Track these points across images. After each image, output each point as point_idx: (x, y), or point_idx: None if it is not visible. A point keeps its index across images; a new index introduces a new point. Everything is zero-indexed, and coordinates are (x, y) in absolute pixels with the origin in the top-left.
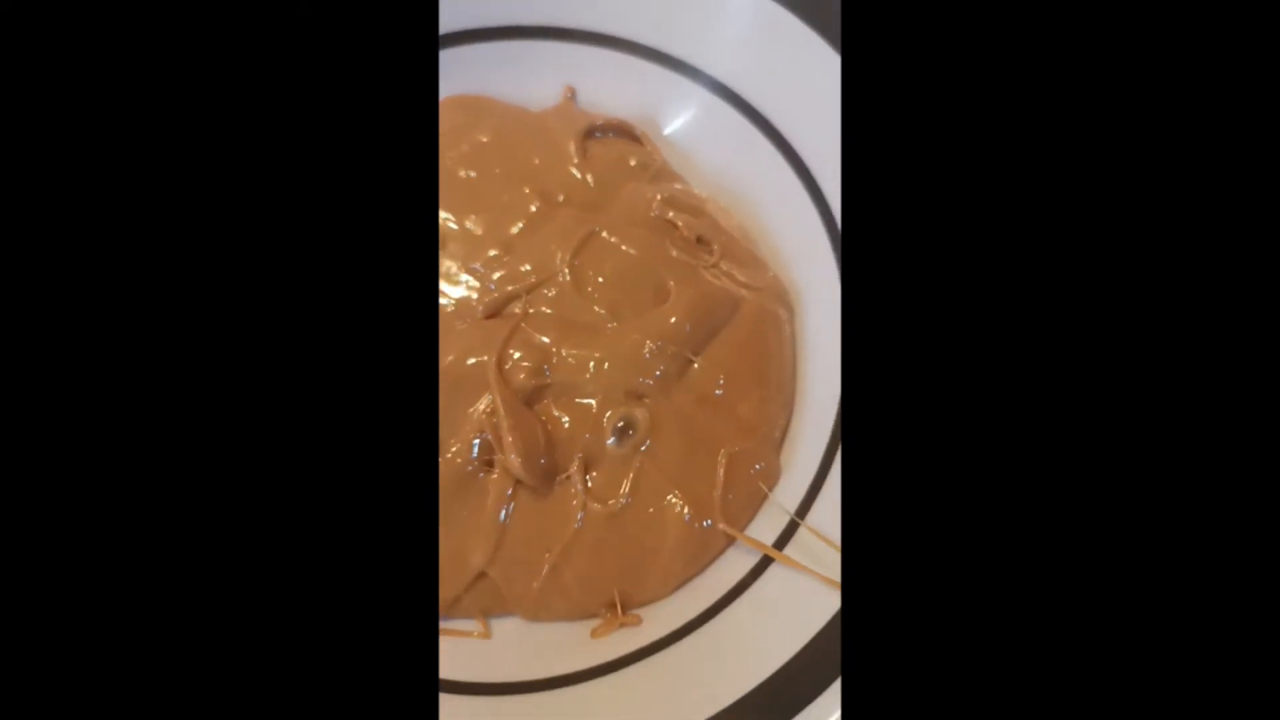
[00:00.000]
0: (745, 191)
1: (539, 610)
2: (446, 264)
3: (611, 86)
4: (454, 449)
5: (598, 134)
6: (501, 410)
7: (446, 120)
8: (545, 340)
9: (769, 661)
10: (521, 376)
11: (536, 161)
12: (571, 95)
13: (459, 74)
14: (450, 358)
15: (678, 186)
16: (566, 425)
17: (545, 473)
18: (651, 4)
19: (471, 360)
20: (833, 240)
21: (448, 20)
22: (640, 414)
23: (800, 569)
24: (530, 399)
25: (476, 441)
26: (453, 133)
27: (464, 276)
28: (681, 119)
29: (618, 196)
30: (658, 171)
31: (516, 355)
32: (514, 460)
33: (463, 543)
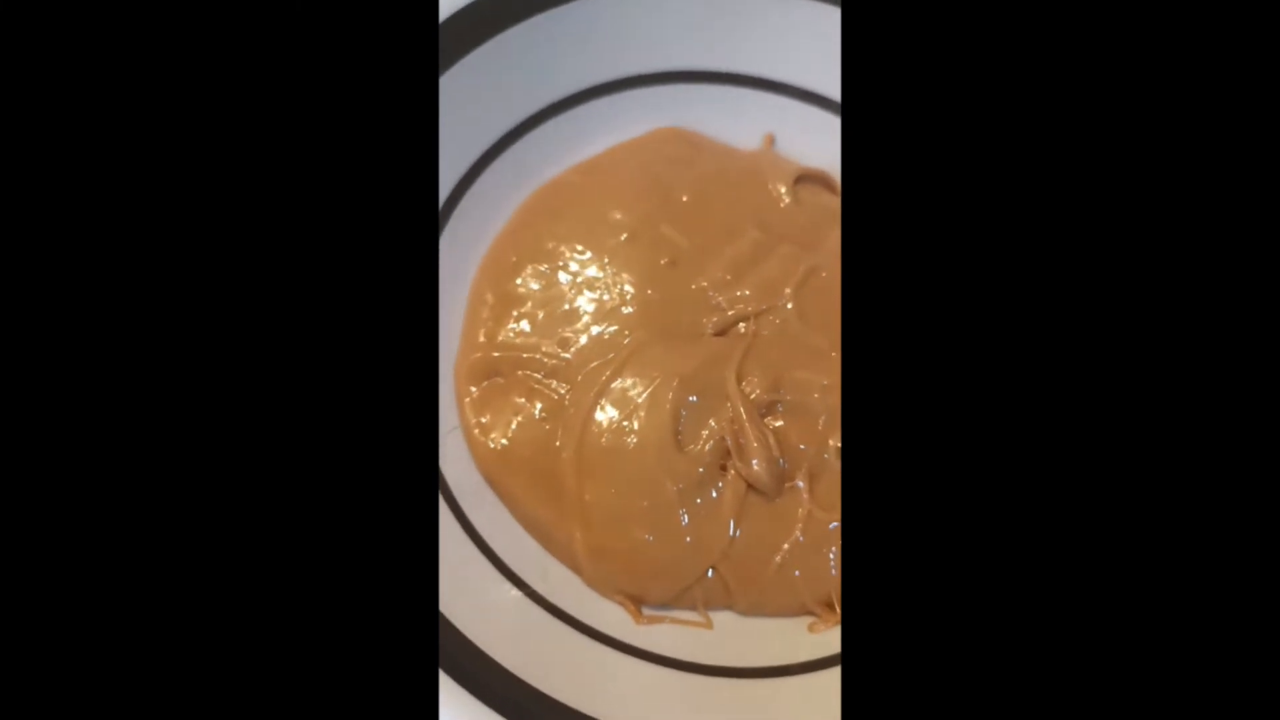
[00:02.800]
0: None
1: (761, 605)
2: (677, 281)
3: (805, 138)
4: (695, 451)
5: (803, 180)
6: (745, 420)
7: (661, 149)
8: (775, 361)
9: None
10: (757, 392)
11: (753, 197)
12: (771, 142)
13: (668, 109)
14: (692, 367)
15: None
16: (794, 440)
17: (777, 480)
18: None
19: (712, 371)
20: None
21: (659, 61)
22: None
23: None
24: (763, 412)
25: (710, 446)
26: (670, 160)
27: (694, 295)
28: None
29: (826, 239)
30: None
31: (753, 374)
32: (755, 466)
33: (698, 540)
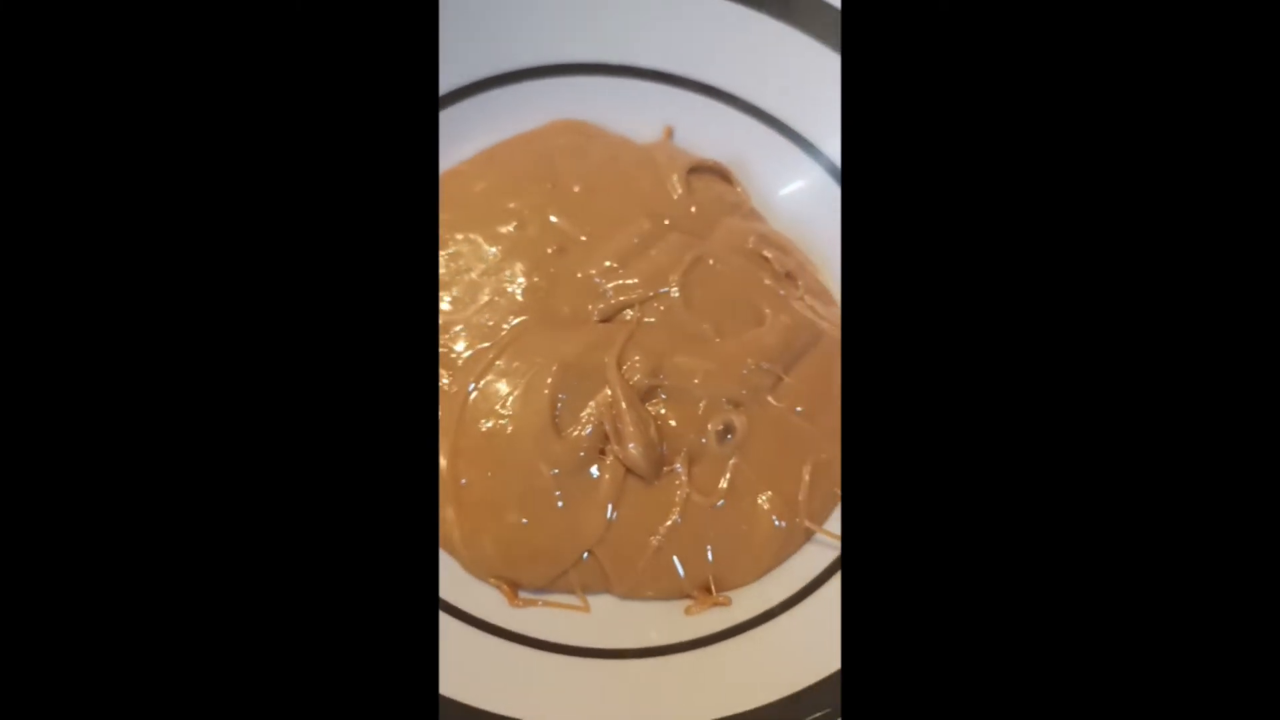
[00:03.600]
0: (818, 245)
1: (639, 588)
2: (565, 269)
3: (704, 130)
4: (573, 435)
5: (697, 171)
6: (623, 404)
7: (556, 139)
8: (658, 346)
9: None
10: (637, 376)
11: (645, 186)
12: (670, 134)
13: (566, 101)
14: (573, 352)
15: (767, 226)
16: (674, 424)
17: (655, 464)
18: (747, 58)
19: (593, 357)
20: None
21: (560, 53)
22: (739, 419)
23: None
24: (644, 397)
25: (588, 430)
26: (564, 151)
27: (581, 282)
28: (766, 167)
29: (716, 228)
30: (748, 211)
31: (635, 357)
32: (633, 450)
33: (575, 523)
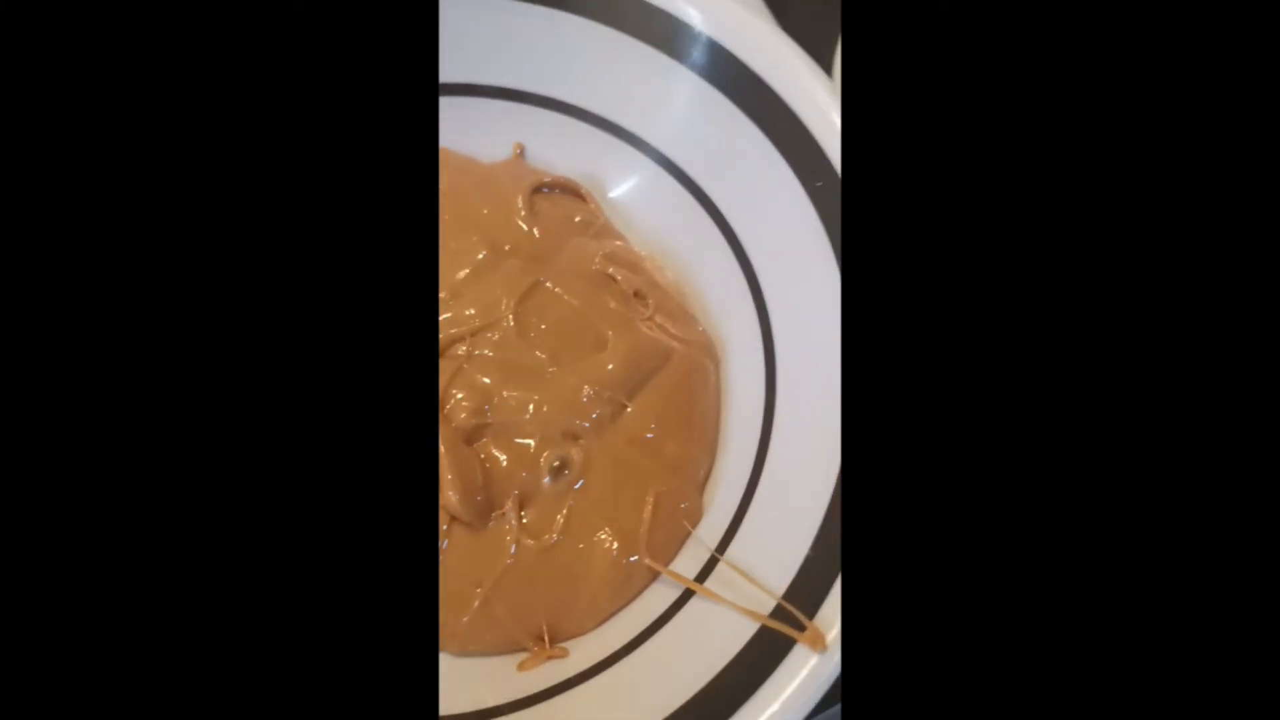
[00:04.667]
0: (679, 253)
1: (468, 643)
2: None
3: (559, 148)
4: None
5: (545, 190)
6: (442, 448)
7: None
8: (486, 381)
9: (688, 686)
10: (462, 415)
11: (485, 211)
12: (521, 152)
13: None
14: None
15: (618, 243)
16: (504, 463)
17: (481, 509)
18: (603, 77)
19: None
20: (755, 299)
21: None
22: (575, 454)
23: (719, 600)
24: (470, 437)
25: None
26: None
27: None
28: (625, 184)
29: (562, 250)
30: (600, 229)
31: (459, 395)
32: (451, 497)
33: None
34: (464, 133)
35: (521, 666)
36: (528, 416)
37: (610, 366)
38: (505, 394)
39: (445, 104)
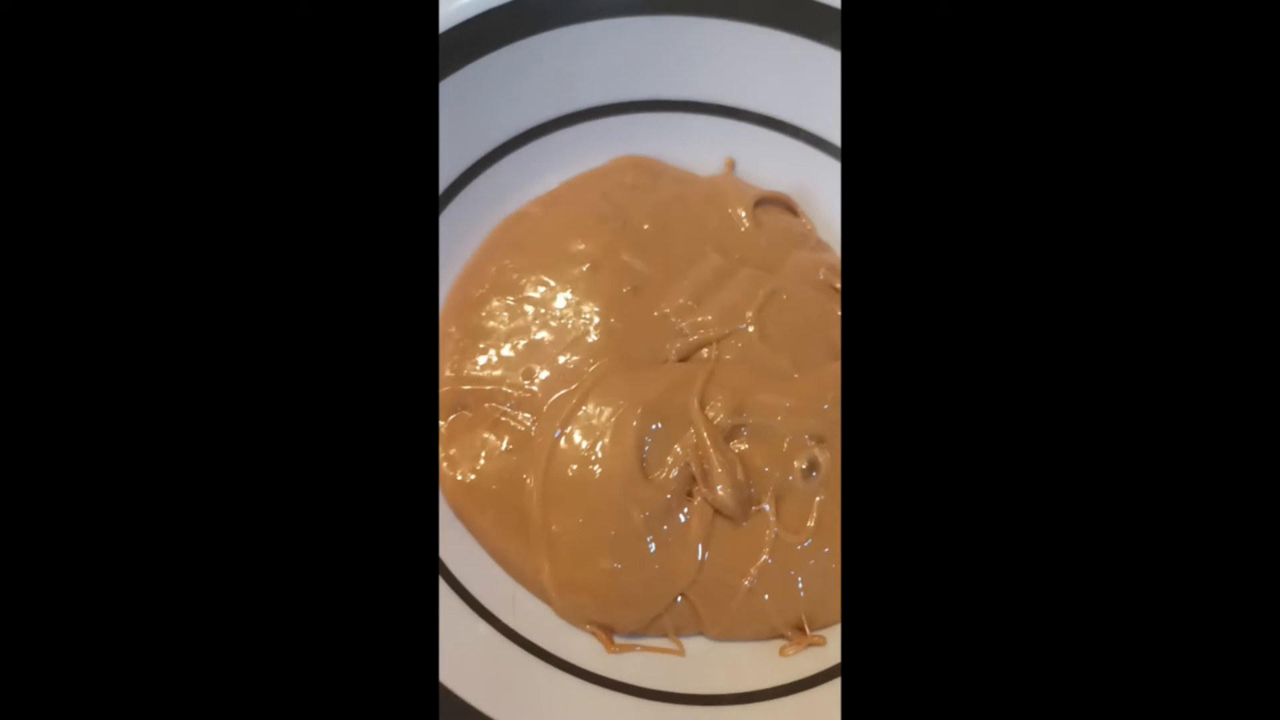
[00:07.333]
0: None
1: (732, 629)
2: (640, 308)
3: (765, 162)
4: (660, 478)
5: (763, 204)
6: (709, 446)
7: (621, 177)
8: (739, 384)
9: None
10: (720, 416)
11: (715, 222)
12: (731, 166)
13: (628, 138)
14: (655, 394)
15: (835, 256)
16: (759, 463)
17: (744, 505)
18: (809, 89)
19: (675, 398)
20: None
21: (618, 92)
22: (824, 455)
23: None
24: (727, 437)
25: (675, 473)
26: (630, 189)
27: (656, 321)
28: (829, 197)
29: (786, 261)
30: (816, 243)
31: (716, 397)
32: (721, 492)
33: (666, 567)
34: (679, 145)
35: (783, 652)
36: (780, 419)
37: None
38: (758, 397)
39: (661, 119)
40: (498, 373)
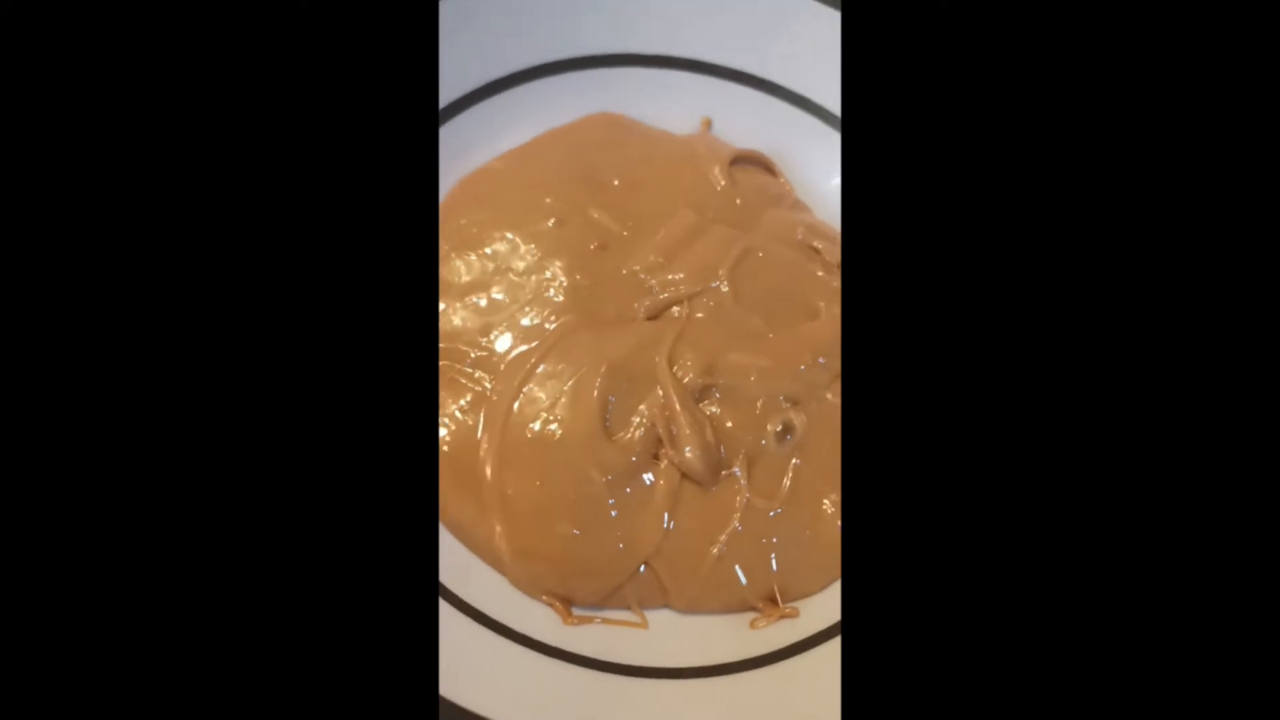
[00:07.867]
0: None
1: (699, 601)
2: (608, 265)
3: (742, 121)
4: (625, 439)
5: (739, 162)
6: (677, 406)
7: (591, 134)
8: (710, 343)
9: None
10: (690, 376)
11: (686, 180)
12: (708, 126)
13: (600, 94)
14: (621, 352)
15: (815, 217)
16: (730, 425)
17: (713, 468)
18: (791, 46)
19: (642, 357)
20: None
21: (591, 44)
22: (798, 418)
23: None
24: (697, 398)
25: (640, 434)
26: (601, 145)
27: (625, 279)
28: (809, 157)
29: (762, 219)
30: (793, 203)
31: (686, 356)
32: (689, 454)
33: (629, 533)
34: (654, 102)
35: (754, 625)
36: (753, 379)
37: (825, 334)
38: (729, 357)
39: (636, 75)
40: (457, 329)
